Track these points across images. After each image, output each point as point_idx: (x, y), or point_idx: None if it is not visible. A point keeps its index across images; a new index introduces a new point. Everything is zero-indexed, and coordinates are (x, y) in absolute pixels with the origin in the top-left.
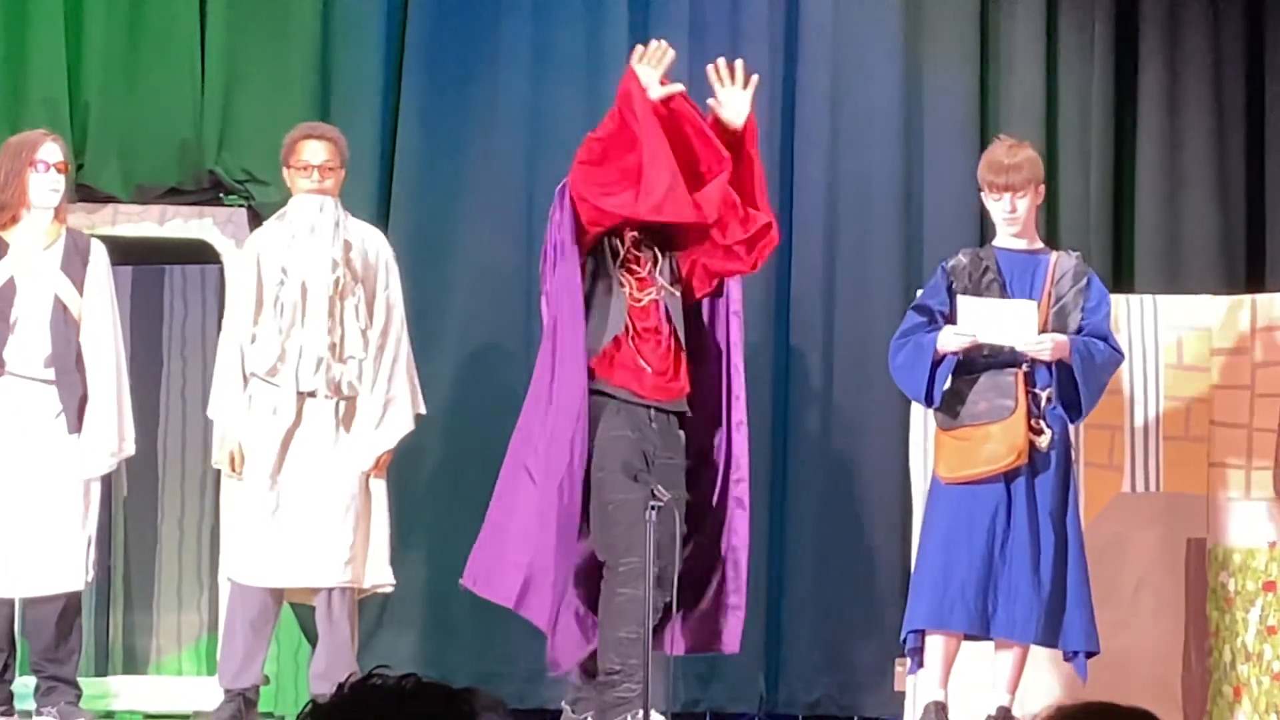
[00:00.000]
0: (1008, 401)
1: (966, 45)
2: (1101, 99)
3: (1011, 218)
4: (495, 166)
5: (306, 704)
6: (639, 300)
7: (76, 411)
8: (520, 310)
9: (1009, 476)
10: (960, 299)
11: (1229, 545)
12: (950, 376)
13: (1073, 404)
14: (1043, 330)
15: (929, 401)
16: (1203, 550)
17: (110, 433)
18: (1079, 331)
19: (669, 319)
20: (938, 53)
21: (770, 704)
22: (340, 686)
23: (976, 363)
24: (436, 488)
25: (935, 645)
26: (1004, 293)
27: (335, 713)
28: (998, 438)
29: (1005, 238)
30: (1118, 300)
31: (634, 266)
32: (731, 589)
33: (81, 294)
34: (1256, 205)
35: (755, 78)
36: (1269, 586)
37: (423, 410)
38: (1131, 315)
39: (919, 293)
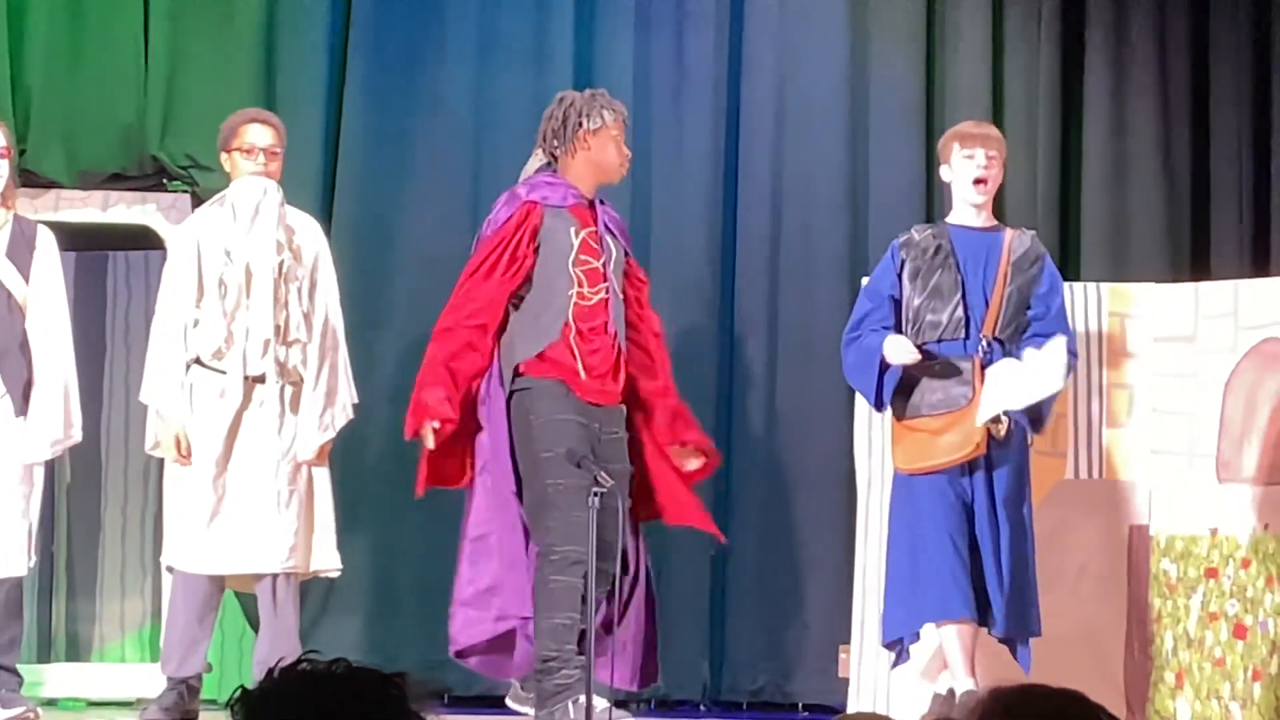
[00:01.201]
0: (965, 390)
1: (913, 30)
2: (1048, 85)
3: (984, 174)
4: (440, 153)
5: (236, 689)
6: (588, 298)
7: (21, 396)
8: None
9: (969, 467)
10: (990, 372)
11: (1171, 532)
12: (900, 373)
13: (1039, 419)
14: (998, 310)
15: (878, 406)
16: (1145, 537)
17: (58, 419)
18: (1031, 320)
19: (613, 320)
20: (884, 38)
21: (714, 691)
22: (269, 672)
23: (932, 352)
24: (380, 475)
25: (950, 636)
26: (957, 272)
27: (264, 698)
28: (955, 428)
29: (963, 210)
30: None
31: (588, 259)
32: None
33: (28, 281)
34: (1202, 193)
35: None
36: (1210, 573)
37: (356, 399)
38: (1076, 302)
39: (865, 280)
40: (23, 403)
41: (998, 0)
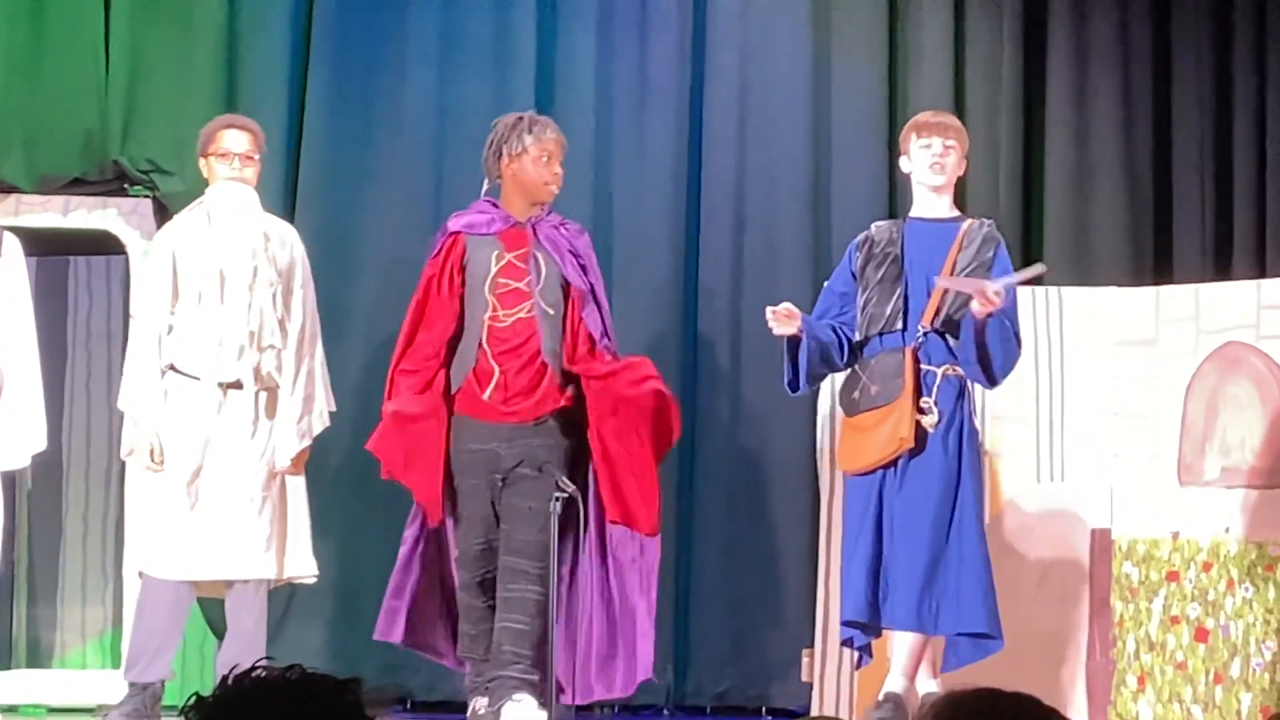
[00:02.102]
0: (898, 382)
1: (875, 36)
2: (1010, 90)
3: (940, 162)
4: (402, 157)
5: (190, 696)
6: (502, 320)
7: None
8: None
9: (901, 461)
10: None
11: (1133, 535)
12: (817, 357)
13: (987, 363)
14: (938, 300)
15: (791, 388)
16: (1107, 541)
17: (23, 427)
18: None
19: (537, 337)
20: (847, 43)
21: (678, 696)
22: (224, 679)
23: (873, 345)
24: (344, 480)
25: (897, 639)
26: (900, 268)
27: (219, 705)
28: (887, 421)
29: (922, 199)
30: (1024, 292)
31: (505, 281)
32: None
33: None
34: (1163, 197)
35: None
36: (1172, 576)
37: (334, 407)
38: (1037, 307)
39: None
40: None
41: (959, 4)
